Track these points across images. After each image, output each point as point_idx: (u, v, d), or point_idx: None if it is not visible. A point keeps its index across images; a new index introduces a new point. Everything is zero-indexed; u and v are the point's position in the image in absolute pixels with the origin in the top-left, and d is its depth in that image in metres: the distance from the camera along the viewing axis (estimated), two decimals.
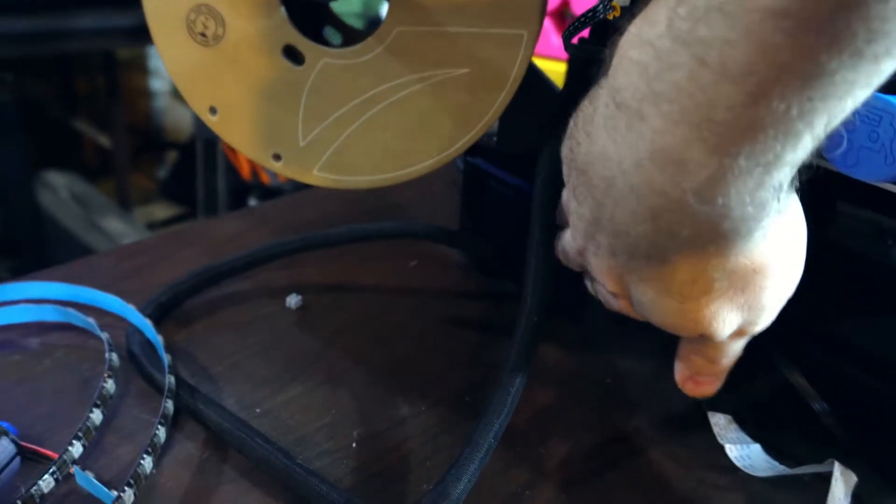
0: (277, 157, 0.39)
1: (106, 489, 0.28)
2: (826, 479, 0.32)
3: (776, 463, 0.33)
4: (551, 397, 0.38)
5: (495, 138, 0.43)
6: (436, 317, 0.44)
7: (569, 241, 0.32)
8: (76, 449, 0.29)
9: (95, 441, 0.32)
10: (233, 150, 1.33)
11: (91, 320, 0.37)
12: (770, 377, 0.36)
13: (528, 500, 0.32)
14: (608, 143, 0.25)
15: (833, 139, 0.22)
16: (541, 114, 0.39)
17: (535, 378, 0.34)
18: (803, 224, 0.28)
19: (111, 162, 1.89)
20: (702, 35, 0.20)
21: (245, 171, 1.44)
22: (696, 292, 0.27)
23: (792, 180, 0.23)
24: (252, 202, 1.47)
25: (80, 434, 0.30)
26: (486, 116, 0.36)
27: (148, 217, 1.90)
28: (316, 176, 0.39)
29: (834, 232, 0.34)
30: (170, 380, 0.34)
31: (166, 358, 0.35)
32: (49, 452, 0.30)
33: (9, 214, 1.59)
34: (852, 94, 0.20)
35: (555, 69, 0.63)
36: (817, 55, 0.19)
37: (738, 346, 0.30)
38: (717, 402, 0.36)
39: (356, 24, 0.48)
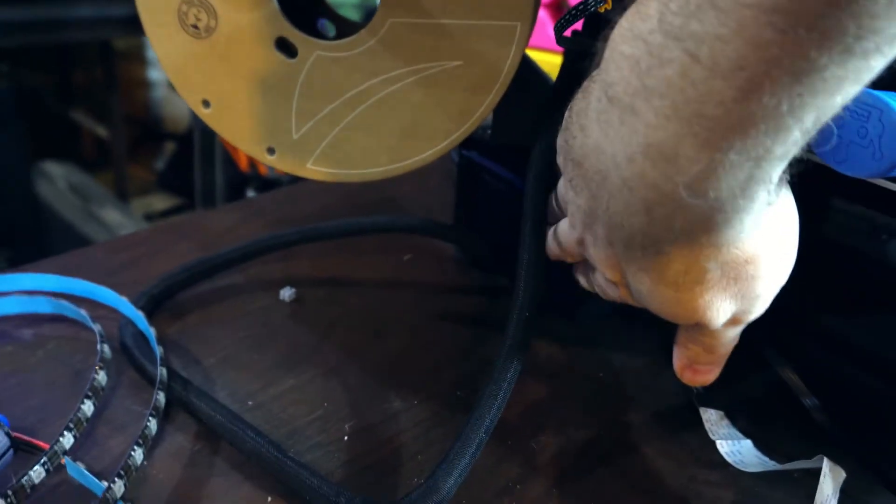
0: (271, 151, 0.39)
1: (96, 480, 0.28)
2: (815, 475, 0.32)
3: (767, 459, 0.33)
4: (544, 392, 0.38)
5: (489, 131, 0.43)
6: (430, 311, 0.44)
7: (566, 230, 0.32)
8: (67, 440, 0.29)
9: (87, 432, 0.32)
10: None
11: (83, 312, 0.37)
12: (761, 373, 0.36)
13: (519, 494, 0.32)
14: (601, 136, 0.25)
15: (823, 134, 0.22)
16: (535, 106, 0.39)
17: (527, 373, 0.34)
18: (795, 215, 0.28)
19: (109, 153, 1.89)
20: (693, 30, 0.20)
21: (243, 163, 1.44)
22: (689, 282, 0.27)
23: (783, 173, 0.24)
24: (250, 193, 1.46)
25: (72, 425, 0.30)
26: (480, 109, 0.36)
27: (146, 208, 1.90)
28: (310, 169, 0.39)
29: (826, 227, 0.34)
30: (162, 372, 0.34)
31: (158, 350, 0.35)
32: (41, 443, 0.30)
33: (6, 204, 1.59)
34: (842, 90, 0.20)
35: (551, 61, 0.62)
36: (807, 51, 0.19)
37: (734, 334, 0.30)
38: (709, 398, 0.36)
39: (353, 14, 0.48)
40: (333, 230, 0.46)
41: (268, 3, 0.36)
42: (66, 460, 0.29)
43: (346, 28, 0.42)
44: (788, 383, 0.35)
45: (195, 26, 0.37)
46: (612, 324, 0.43)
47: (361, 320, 0.42)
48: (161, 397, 0.33)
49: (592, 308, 0.43)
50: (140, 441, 0.30)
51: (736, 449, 0.34)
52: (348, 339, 0.41)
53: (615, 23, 0.24)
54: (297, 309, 0.43)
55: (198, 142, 1.51)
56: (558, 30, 0.35)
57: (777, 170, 0.23)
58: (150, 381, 0.34)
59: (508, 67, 0.35)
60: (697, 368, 0.32)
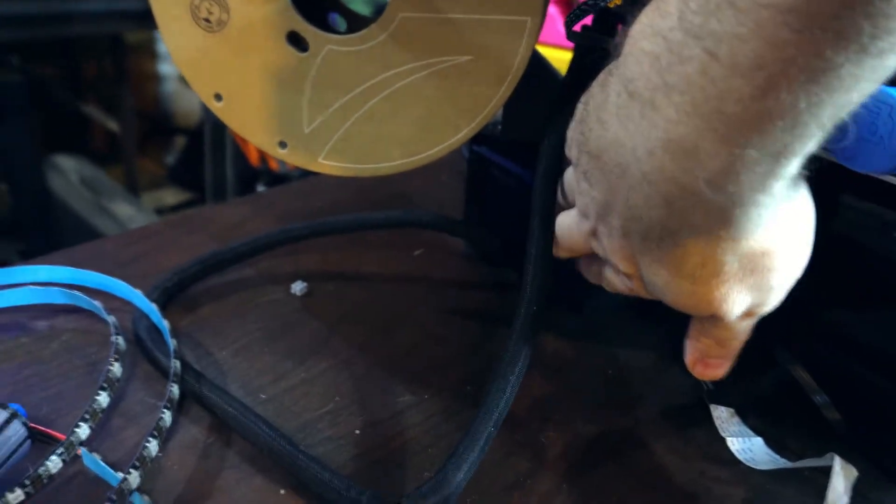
0: (283, 145, 0.39)
1: (112, 471, 0.29)
2: (827, 473, 0.32)
3: (777, 456, 0.33)
4: (552, 387, 0.38)
5: (500, 127, 0.43)
6: (440, 306, 0.44)
7: (574, 223, 0.32)
8: (83, 431, 0.30)
9: (102, 423, 0.32)
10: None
11: (98, 304, 0.38)
12: (772, 371, 0.36)
13: (528, 488, 0.32)
14: (620, 130, 0.26)
15: (841, 130, 0.22)
16: (545, 101, 0.39)
17: (535, 367, 0.34)
18: (811, 208, 0.28)
19: (120, 147, 1.90)
20: (713, 29, 0.21)
21: (253, 158, 1.44)
22: (706, 275, 0.27)
23: (800, 168, 0.24)
24: (260, 188, 1.47)
25: (87, 416, 0.30)
26: (491, 104, 0.36)
27: (156, 202, 1.91)
28: (321, 163, 0.39)
29: (837, 224, 0.34)
30: (175, 364, 0.34)
31: (172, 343, 0.35)
32: (57, 434, 0.31)
33: (18, 197, 1.60)
34: (858, 87, 0.20)
35: (561, 57, 0.62)
36: (823, 51, 0.19)
37: (746, 327, 0.31)
38: (720, 395, 0.36)
39: (364, 7, 0.48)
40: (344, 224, 0.46)
41: None
42: (82, 451, 0.29)
43: (356, 22, 0.42)
44: (799, 381, 0.35)
45: (207, 20, 0.37)
46: (620, 318, 0.44)
47: (372, 315, 0.43)
48: (175, 389, 0.33)
49: (600, 302, 0.43)
50: (155, 433, 0.30)
51: (746, 446, 0.34)
52: (359, 333, 0.41)
53: (635, 18, 0.24)
54: (308, 303, 0.43)
55: (208, 136, 1.51)
56: (568, 24, 0.35)
57: (794, 165, 0.23)
58: (164, 373, 0.35)
59: (519, 62, 0.35)
60: (709, 362, 0.32)
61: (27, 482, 0.27)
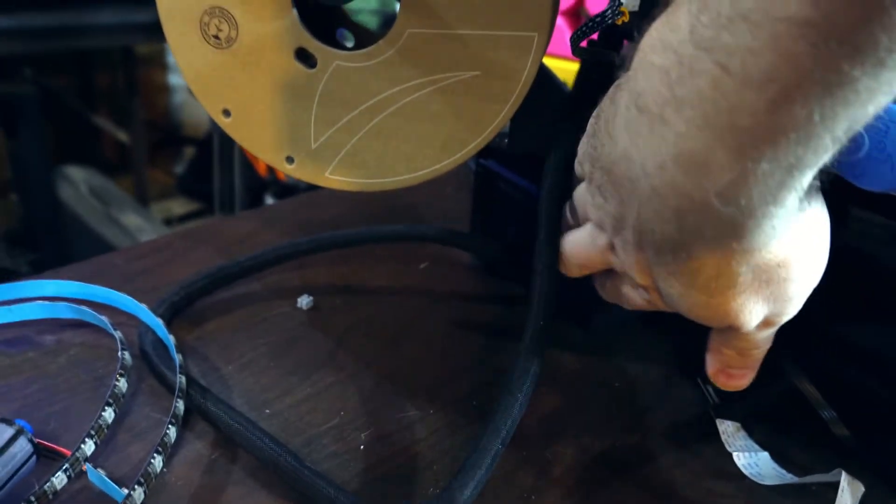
0: (290, 160, 0.39)
1: (117, 487, 0.29)
2: (834, 488, 0.32)
3: (784, 471, 0.33)
4: (558, 402, 0.38)
5: (506, 140, 0.43)
6: (446, 319, 0.44)
7: (589, 238, 0.32)
8: (88, 447, 0.30)
9: (107, 439, 0.32)
10: None
11: (104, 318, 0.38)
12: (779, 385, 0.36)
13: None
14: (630, 145, 0.26)
15: (855, 141, 0.22)
16: (551, 115, 0.39)
17: (542, 382, 0.34)
18: (826, 218, 0.28)
19: (129, 157, 1.91)
20: (725, 42, 0.20)
21: (262, 168, 1.45)
22: (721, 286, 0.27)
23: (814, 179, 0.24)
24: (269, 199, 1.47)
25: (93, 432, 0.30)
26: (497, 119, 0.36)
27: (166, 213, 1.92)
28: (328, 178, 0.39)
29: (846, 236, 0.33)
30: (181, 380, 0.34)
31: (178, 358, 0.36)
32: (62, 449, 0.31)
33: (30, 208, 1.61)
34: (874, 100, 0.20)
35: (569, 69, 0.62)
36: (840, 64, 0.19)
37: (766, 336, 0.30)
38: (726, 410, 0.36)
39: (371, 20, 0.48)
40: (351, 238, 0.46)
41: (288, 14, 0.36)
42: (87, 467, 0.29)
43: (364, 37, 0.42)
44: (806, 395, 0.35)
45: (216, 37, 0.37)
46: (627, 332, 0.43)
47: (378, 328, 0.43)
48: (180, 405, 0.33)
49: (606, 316, 0.43)
50: (160, 448, 0.30)
51: (753, 461, 0.34)
52: (365, 347, 0.41)
53: (643, 32, 0.24)
54: (314, 317, 0.43)
55: (217, 147, 1.52)
56: (575, 41, 0.35)
57: (808, 177, 0.23)
58: (170, 388, 0.35)
59: (525, 78, 0.35)
60: (731, 373, 0.32)
61: (33, 498, 0.27)
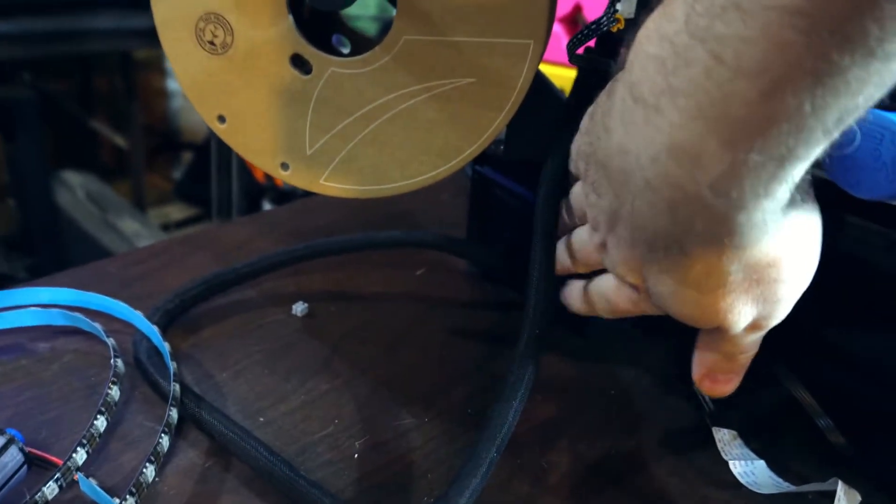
0: (285, 166, 0.39)
1: (108, 496, 0.29)
2: (830, 497, 0.32)
3: (780, 480, 0.33)
4: (554, 409, 0.38)
5: (503, 146, 0.43)
6: (441, 326, 0.44)
7: (584, 238, 0.32)
8: (80, 456, 0.30)
9: (100, 448, 0.32)
10: None
11: (98, 326, 0.38)
12: (775, 393, 0.36)
13: None
14: (625, 136, 0.26)
15: (846, 135, 0.22)
16: (547, 122, 0.39)
17: (537, 389, 0.33)
18: (818, 220, 0.28)
19: (127, 162, 1.91)
20: (718, 32, 0.21)
21: (259, 174, 1.45)
22: (711, 284, 0.27)
23: (806, 175, 0.24)
24: (266, 205, 1.47)
25: (85, 441, 0.30)
26: (493, 126, 0.36)
27: (163, 218, 1.92)
28: (323, 185, 0.39)
29: (842, 242, 0.33)
30: (174, 388, 0.34)
31: (172, 365, 0.35)
32: (54, 459, 0.31)
33: (27, 213, 1.61)
34: (864, 91, 0.20)
35: (565, 75, 0.62)
36: (830, 53, 0.19)
37: (753, 341, 0.30)
38: (722, 418, 0.36)
39: (370, 26, 0.48)
40: (346, 245, 0.46)
41: (283, 21, 0.36)
42: (78, 476, 0.29)
43: (360, 43, 0.42)
44: (802, 404, 0.35)
45: (212, 43, 0.37)
46: (623, 339, 0.43)
47: (373, 335, 0.42)
48: (174, 414, 0.33)
49: (602, 324, 0.43)
50: (152, 458, 0.30)
51: (749, 469, 0.33)
52: (360, 354, 0.41)
53: (641, 24, 0.24)
54: (310, 323, 0.43)
55: (215, 152, 1.52)
56: (571, 49, 0.35)
57: (799, 170, 0.23)
58: (163, 396, 0.35)
59: (521, 85, 0.35)
60: (717, 377, 0.32)
61: None
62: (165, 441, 0.31)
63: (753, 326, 0.29)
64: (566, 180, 0.36)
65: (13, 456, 0.29)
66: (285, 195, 1.41)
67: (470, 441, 0.34)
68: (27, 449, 0.30)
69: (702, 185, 0.23)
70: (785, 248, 0.26)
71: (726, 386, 0.32)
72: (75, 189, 1.63)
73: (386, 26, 0.36)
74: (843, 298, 0.34)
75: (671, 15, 0.22)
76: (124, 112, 1.87)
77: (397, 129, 0.37)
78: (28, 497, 0.27)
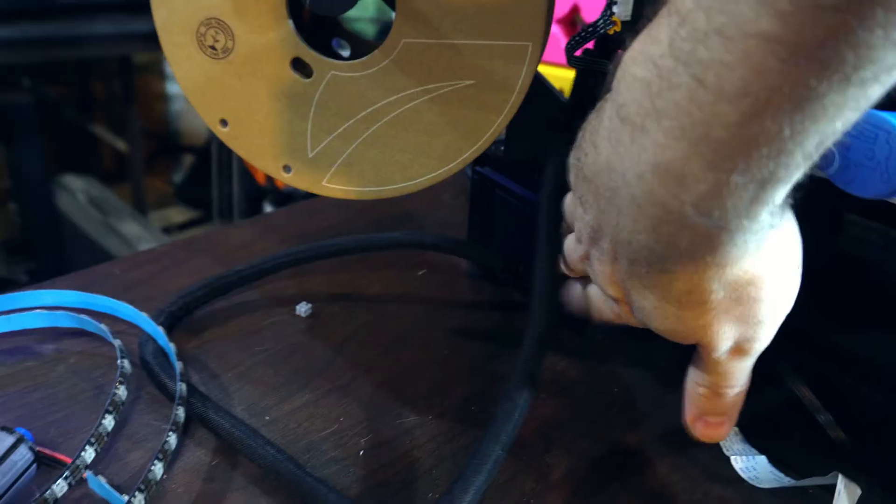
0: (287, 169, 0.39)
1: (117, 494, 0.29)
2: (831, 491, 0.32)
3: (781, 475, 0.33)
4: (557, 407, 0.38)
5: (503, 147, 0.43)
6: (443, 326, 0.44)
7: (572, 246, 0.33)
8: (89, 454, 0.30)
9: (108, 447, 0.32)
10: None
11: (104, 327, 0.38)
12: (775, 389, 0.36)
13: None
14: (612, 154, 0.26)
15: (826, 158, 0.22)
16: (547, 123, 0.39)
17: (540, 388, 0.34)
18: (798, 240, 0.29)
19: (128, 166, 1.92)
20: (701, 56, 0.21)
21: (260, 177, 1.46)
22: (692, 301, 0.27)
23: (786, 197, 0.24)
24: (267, 207, 1.48)
25: (93, 440, 0.30)
26: (492, 128, 0.36)
27: (164, 221, 1.92)
28: (325, 186, 0.39)
29: (841, 241, 0.34)
30: (181, 387, 0.34)
31: (178, 365, 0.36)
32: (63, 457, 0.31)
33: (28, 217, 1.62)
34: (841, 116, 0.20)
35: (565, 76, 0.63)
36: (808, 80, 0.19)
37: (740, 369, 0.31)
38: None
39: (369, 28, 0.49)
40: (349, 246, 0.47)
41: (284, 25, 0.36)
42: (87, 474, 0.29)
43: (360, 46, 0.43)
44: (803, 400, 0.35)
45: (213, 47, 0.38)
46: (624, 337, 0.44)
47: (376, 335, 0.43)
48: (181, 412, 0.33)
49: (603, 323, 0.43)
50: (160, 456, 0.30)
51: (750, 465, 0.34)
52: (363, 353, 0.41)
53: (627, 45, 0.25)
54: (313, 324, 0.43)
55: (215, 155, 1.53)
56: (569, 51, 0.35)
57: (780, 192, 0.23)
58: (170, 396, 0.35)
59: (520, 86, 0.35)
60: (708, 420, 0.32)
61: None
62: (173, 439, 0.32)
63: (737, 350, 0.29)
64: (567, 181, 0.37)
65: (23, 454, 0.29)
66: (286, 197, 1.41)
67: (474, 438, 0.35)
68: (36, 448, 0.30)
69: (685, 203, 0.24)
70: (765, 267, 0.27)
71: (719, 430, 0.32)
72: (76, 193, 1.63)
73: (385, 29, 0.36)
74: (844, 297, 0.34)
75: (656, 38, 0.23)
76: (124, 116, 1.87)
77: (398, 132, 0.37)
78: (38, 495, 0.28)
